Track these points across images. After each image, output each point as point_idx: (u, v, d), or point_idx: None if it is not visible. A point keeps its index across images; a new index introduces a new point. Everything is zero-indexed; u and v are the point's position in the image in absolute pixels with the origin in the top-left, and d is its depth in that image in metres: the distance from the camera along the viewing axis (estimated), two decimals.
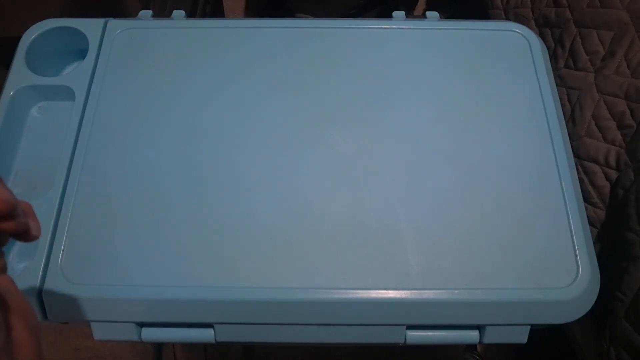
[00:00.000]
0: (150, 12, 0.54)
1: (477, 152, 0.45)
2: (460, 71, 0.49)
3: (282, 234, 0.41)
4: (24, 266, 0.40)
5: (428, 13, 0.54)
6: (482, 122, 0.46)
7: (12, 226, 0.24)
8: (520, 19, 0.73)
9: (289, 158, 0.44)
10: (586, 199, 0.56)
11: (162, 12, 0.85)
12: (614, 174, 0.54)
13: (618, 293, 0.49)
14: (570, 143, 0.47)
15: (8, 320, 0.23)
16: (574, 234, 0.41)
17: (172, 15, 0.54)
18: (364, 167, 0.44)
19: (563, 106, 0.60)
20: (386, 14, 0.54)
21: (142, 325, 0.40)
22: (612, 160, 0.55)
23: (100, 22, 0.51)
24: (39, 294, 0.39)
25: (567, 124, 0.58)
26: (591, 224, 0.55)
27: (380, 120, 0.46)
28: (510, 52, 0.50)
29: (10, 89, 0.47)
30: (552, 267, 0.40)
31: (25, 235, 0.25)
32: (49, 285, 0.39)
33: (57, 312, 0.39)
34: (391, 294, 0.39)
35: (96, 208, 0.42)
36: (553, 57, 0.65)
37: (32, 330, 0.24)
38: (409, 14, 1.14)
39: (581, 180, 0.57)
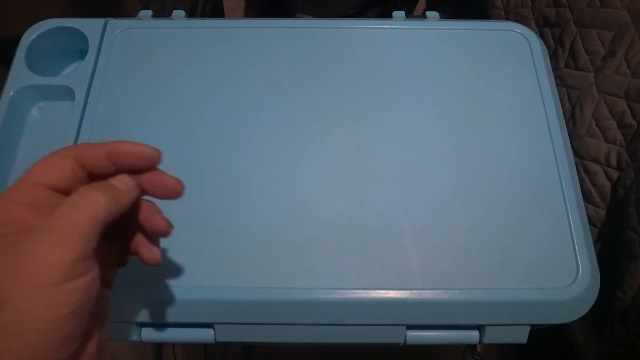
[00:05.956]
0: (150, 12, 0.54)
1: (477, 152, 0.45)
2: (460, 71, 0.49)
3: (282, 234, 0.41)
4: None
5: (428, 13, 0.54)
6: (482, 122, 0.46)
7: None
8: (520, 19, 0.73)
9: (289, 158, 0.44)
10: (587, 198, 0.56)
11: (162, 12, 0.85)
12: (614, 174, 0.54)
13: (618, 292, 0.49)
14: (571, 143, 0.47)
15: None
16: (574, 233, 0.41)
17: (172, 15, 0.54)
18: (364, 166, 0.44)
19: (563, 106, 0.60)
20: (386, 14, 0.54)
21: (142, 325, 0.40)
22: (613, 160, 0.55)
23: (100, 22, 0.51)
24: None
25: (567, 123, 0.58)
26: (592, 223, 0.55)
27: (380, 120, 0.46)
28: (510, 52, 0.50)
29: (10, 89, 0.47)
30: (552, 267, 0.40)
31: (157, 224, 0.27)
32: None
33: None
34: (391, 294, 0.39)
35: None
36: (553, 57, 0.65)
37: None
38: (409, 14, 1.14)
39: (582, 180, 0.57)
